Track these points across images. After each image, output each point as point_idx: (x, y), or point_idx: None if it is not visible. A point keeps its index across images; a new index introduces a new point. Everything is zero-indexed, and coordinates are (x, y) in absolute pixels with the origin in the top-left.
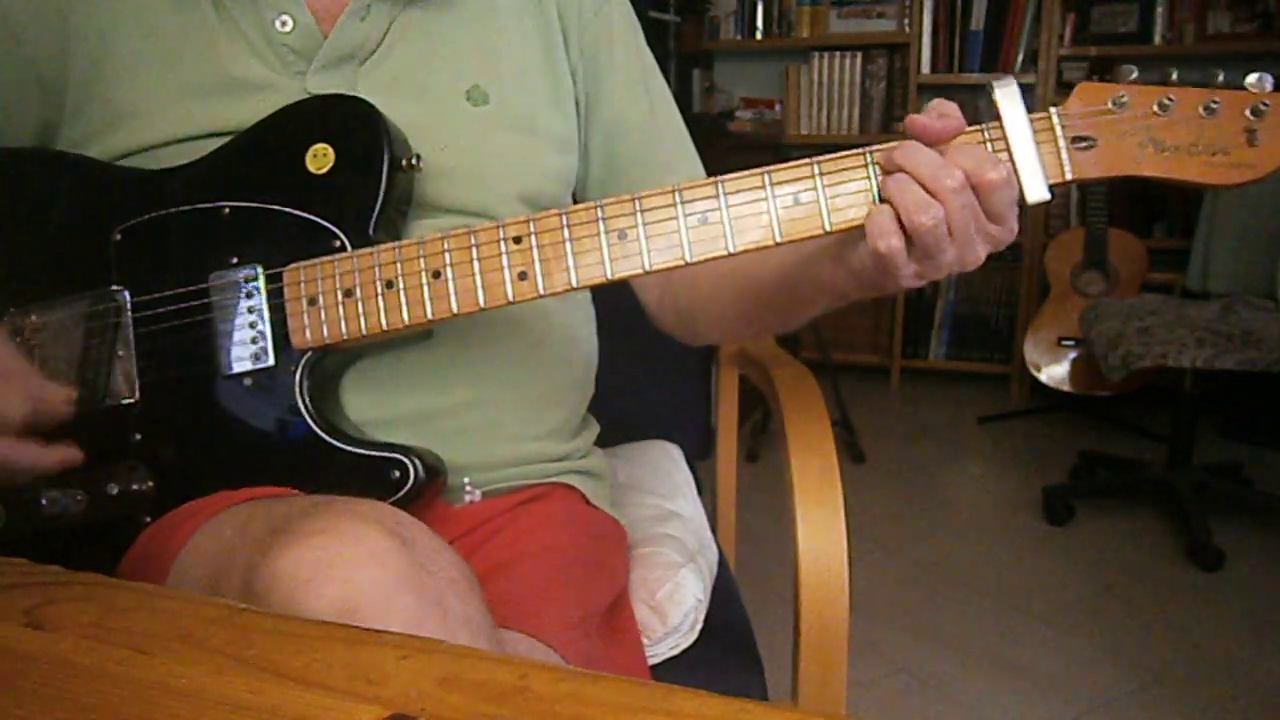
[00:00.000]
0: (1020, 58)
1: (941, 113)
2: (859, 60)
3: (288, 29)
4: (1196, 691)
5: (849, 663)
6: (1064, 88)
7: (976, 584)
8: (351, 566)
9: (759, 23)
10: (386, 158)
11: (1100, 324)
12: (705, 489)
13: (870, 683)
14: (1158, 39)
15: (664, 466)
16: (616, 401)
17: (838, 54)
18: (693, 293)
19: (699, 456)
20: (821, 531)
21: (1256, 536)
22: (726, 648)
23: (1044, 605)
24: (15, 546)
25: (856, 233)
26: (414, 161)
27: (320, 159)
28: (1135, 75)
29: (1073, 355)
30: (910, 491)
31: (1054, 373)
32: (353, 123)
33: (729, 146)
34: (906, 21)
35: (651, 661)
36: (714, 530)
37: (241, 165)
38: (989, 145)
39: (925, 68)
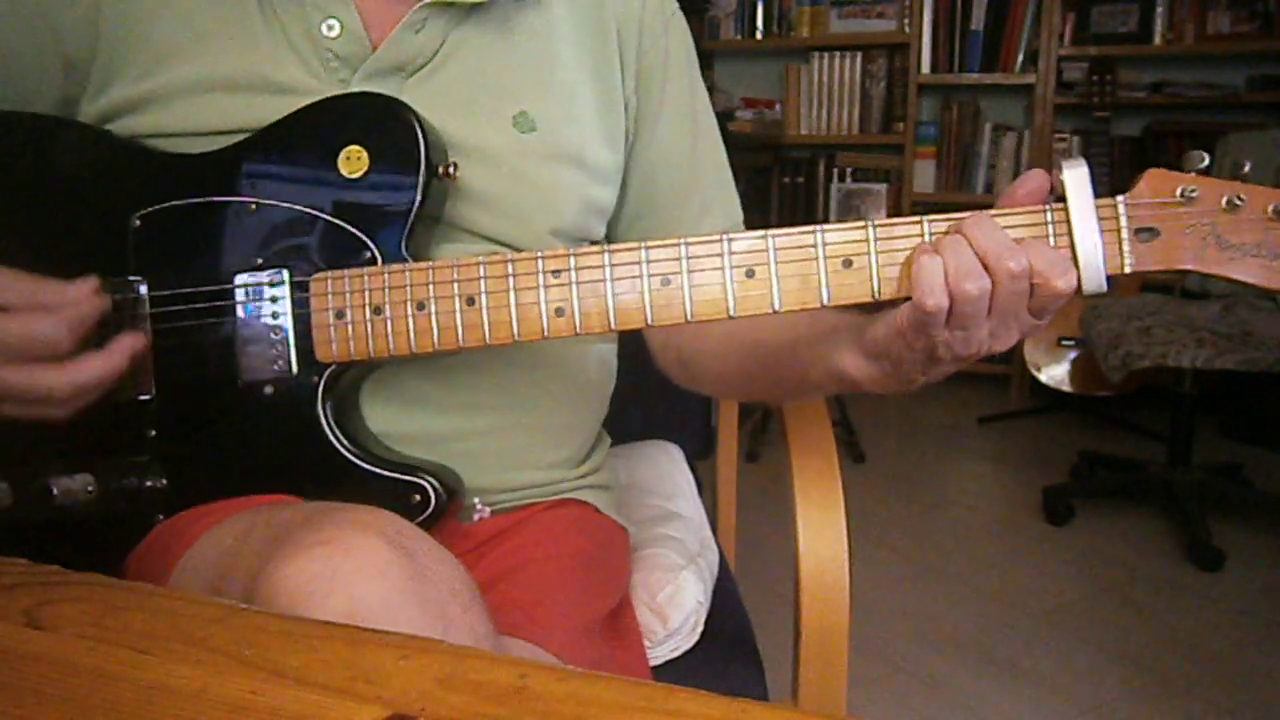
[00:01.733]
0: (1020, 58)
1: (1033, 182)
2: (859, 60)
3: (334, 33)
4: (1196, 691)
5: (849, 663)
6: (1064, 88)
7: (976, 584)
8: (354, 579)
9: (759, 23)
10: (423, 165)
11: (1100, 324)
12: (705, 489)
13: (870, 683)
14: (1158, 39)
15: (664, 466)
16: (617, 401)
17: (838, 54)
18: (698, 345)
19: (699, 456)
20: (821, 531)
21: (1256, 536)
22: (727, 648)
23: (1044, 605)
24: (24, 535)
25: (877, 314)
26: (450, 170)
27: (354, 162)
28: (1205, 163)
29: (1073, 355)
30: (910, 491)
31: (1054, 373)
32: (388, 125)
33: (729, 147)
34: (906, 21)
35: (652, 663)
36: (714, 530)
37: (271, 160)
38: (1050, 228)
39: (925, 68)
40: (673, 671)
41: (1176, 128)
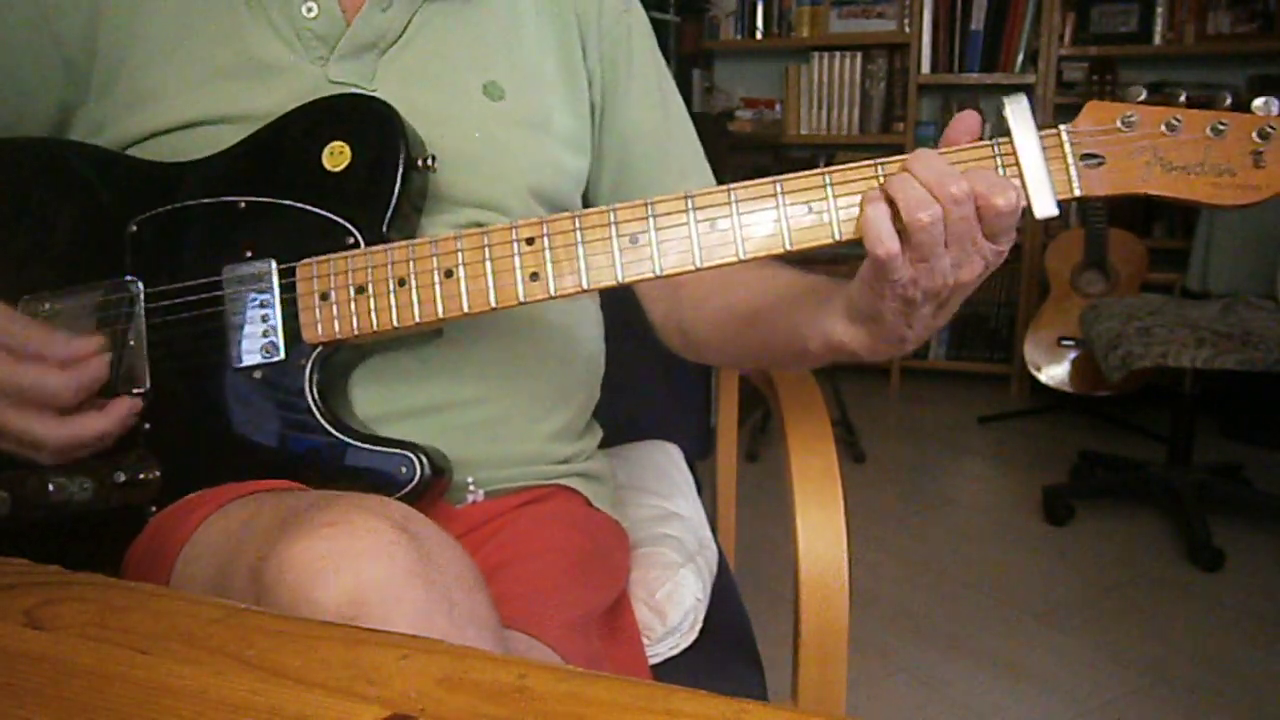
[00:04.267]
0: (1020, 58)
1: (964, 120)
2: (859, 60)
3: (313, 15)
4: (1196, 691)
5: (849, 663)
6: (1064, 88)
7: (976, 584)
8: (362, 559)
9: (759, 23)
10: (402, 158)
11: (1100, 324)
12: (705, 489)
13: (870, 683)
14: (1158, 39)
15: (664, 466)
16: (616, 401)
17: (838, 54)
18: (697, 316)
19: (699, 456)
20: (821, 531)
21: (1256, 536)
22: (726, 648)
23: (1044, 605)
24: (21, 534)
25: (855, 281)
26: (429, 162)
27: (337, 157)
28: (1144, 96)
29: (1073, 355)
30: (910, 491)
31: (1054, 373)
32: (370, 122)
33: (729, 146)
34: (906, 21)
35: (651, 661)
36: (714, 530)
37: (258, 160)
38: (998, 160)
39: (925, 68)
40: (672, 669)
41: None
